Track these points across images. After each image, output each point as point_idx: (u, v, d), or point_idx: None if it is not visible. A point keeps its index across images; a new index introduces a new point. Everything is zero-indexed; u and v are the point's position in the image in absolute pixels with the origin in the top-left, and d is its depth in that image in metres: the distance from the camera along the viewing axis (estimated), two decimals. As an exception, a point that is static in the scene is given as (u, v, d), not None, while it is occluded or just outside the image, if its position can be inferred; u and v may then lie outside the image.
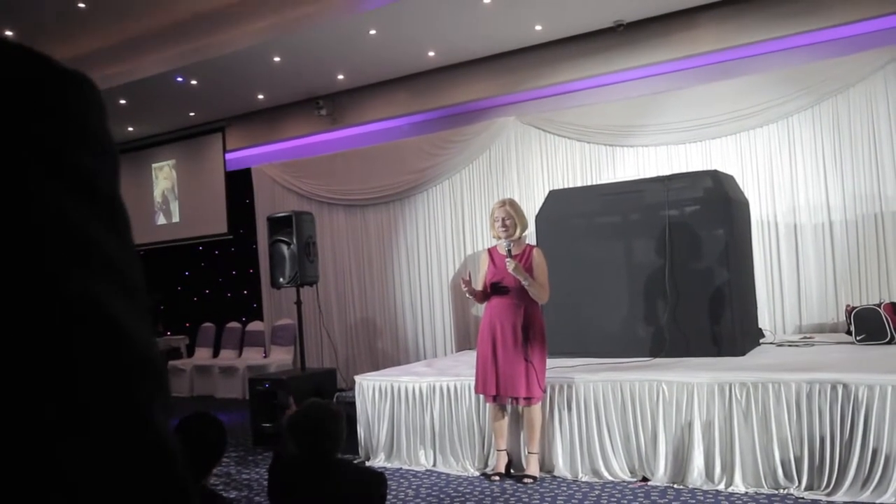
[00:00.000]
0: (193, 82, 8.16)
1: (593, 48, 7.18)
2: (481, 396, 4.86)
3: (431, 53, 7.55)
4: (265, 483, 5.05)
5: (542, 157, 7.75)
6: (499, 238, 4.70)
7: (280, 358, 8.99)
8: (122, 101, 8.72)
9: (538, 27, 6.96)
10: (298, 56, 7.45)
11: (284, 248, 6.86)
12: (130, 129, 10.11)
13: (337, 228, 9.10)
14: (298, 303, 6.92)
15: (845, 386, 3.99)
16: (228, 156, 9.97)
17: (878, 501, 3.81)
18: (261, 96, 8.80)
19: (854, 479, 3.91)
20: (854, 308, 5.51)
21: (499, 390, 4.65)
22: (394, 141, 8.67)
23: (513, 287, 4.61)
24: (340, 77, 8.18)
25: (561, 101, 7.67)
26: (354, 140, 9.00)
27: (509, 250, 4.57)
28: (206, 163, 10.22)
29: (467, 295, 4.70)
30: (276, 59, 7.47)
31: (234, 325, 9.86)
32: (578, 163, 7.55)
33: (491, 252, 4.79)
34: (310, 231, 7.01)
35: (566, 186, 7.28)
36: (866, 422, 3.92)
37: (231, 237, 10.10)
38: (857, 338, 5.38)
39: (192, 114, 9.53)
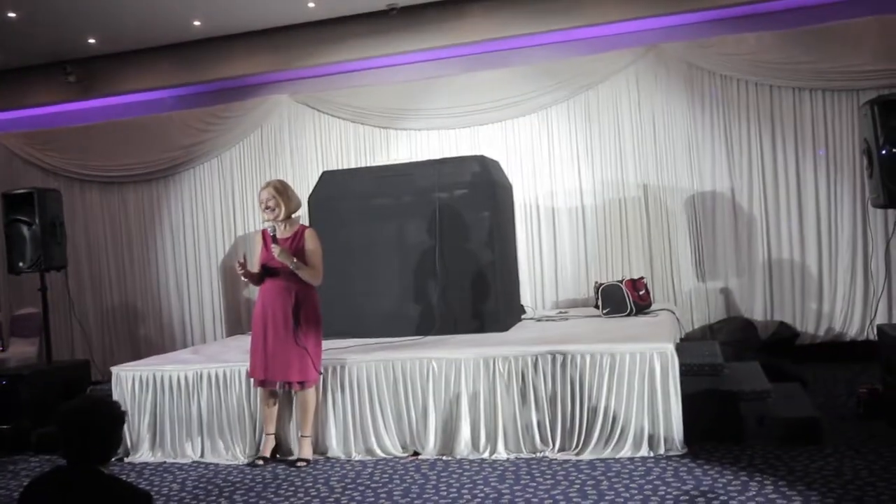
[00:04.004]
0: None
1: (367, 30, 7.18)
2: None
3: (197, 23, 7.11)
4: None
5: (316, 137, 7.65)
6: (267, 220, 4.58)
7: (22, 350, 8.03)
8: None
9: (311, 4, 6.82)
10: (38, 13, 6.64)
11: (25, 228, 6.13)
12: None
13: (90, 207, 8.30)
14: (43, 289, 6.24)
15: (592, 355, 4.39)
16: (-46, 123, 8.68)
17: (616, 456, 4.26)
18: (-6, 56, 7.75)
19: (598, 439, 4.34)
20: (601, 284, 6.08)
21: (267, 374, 4.56)
22: (157, 114, 8.07)
23: (283, 269, 4.51)
24: (92, 41, 7.43)
25: (335, 80, 7.60)
26: (111, 111, 8.24)
27: (274, 235, 4.50)
28: (-75, 130, 8.81)
29: (243, 278, 4.54)
30: (11, 14, 6.60)
31: (-36, 316, 8.66)
32: (353, 144, 7.55)
33: (263, 233, 4.64)
34: (56, 210, 6.33)
35: (340, 167, 7.25)
36: (609, 387, 4.34)
37: (-41, 216, 8.83)
38: (604, 311, 5.94)
39: None
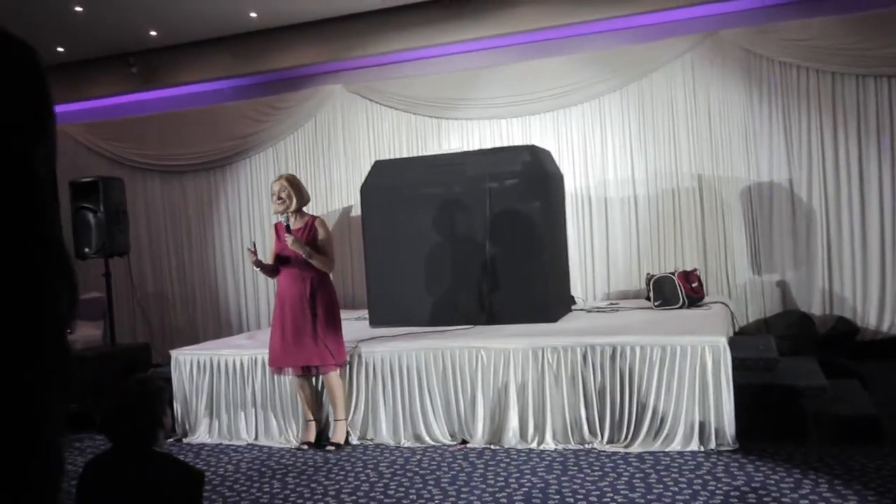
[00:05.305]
0: (-20, 29, 7.28)
1: (421, 20, 7.20)
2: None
3: (253, 14, 7.24)
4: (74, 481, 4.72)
5: (369, 127, 7.72)
6: (277, 213, 4.74)
7: (88, 334, 8.33)
8: None
9: (365, -6, 6.88)
10: (104, 8, 6.86)
11: (90, 215, 6.37)
12: None
13: (151, 195, 8.55)
14: (107, 274, 6.49)
15: (642, 348, 4.35)
16: (24, 113, 9.01)
17: (666, 449, 4.23)
18: (60, 49, 8.02)
19: (647, 432, 4.31)
20: (653, 276, 6.01)
21: (284, 362, 4.71)
22: (214, 105, 8.26)
23: (296, 259, 4.65)
24: (153, 34, 7.64)
25: (388, 70, 7.65)
26: (170, 102, 8.46)
27: (288, 226, 4.64)
28: (-3, 120, 9.18)
29: (255, 268, 4.70)
30: (78, 8, 6.83)
31: (33, 299, 9.03)
32: (405, 134, 7.60)
33: (277, 225, 4.80)
34: (119, 198, 6.57)
35: (392, 157, 7.31)
36: (659, 380, 4.31)
37: (29, 203, 9.18)
38: (655, 303, 5.87)
39: (-22, 65, 8.50)
